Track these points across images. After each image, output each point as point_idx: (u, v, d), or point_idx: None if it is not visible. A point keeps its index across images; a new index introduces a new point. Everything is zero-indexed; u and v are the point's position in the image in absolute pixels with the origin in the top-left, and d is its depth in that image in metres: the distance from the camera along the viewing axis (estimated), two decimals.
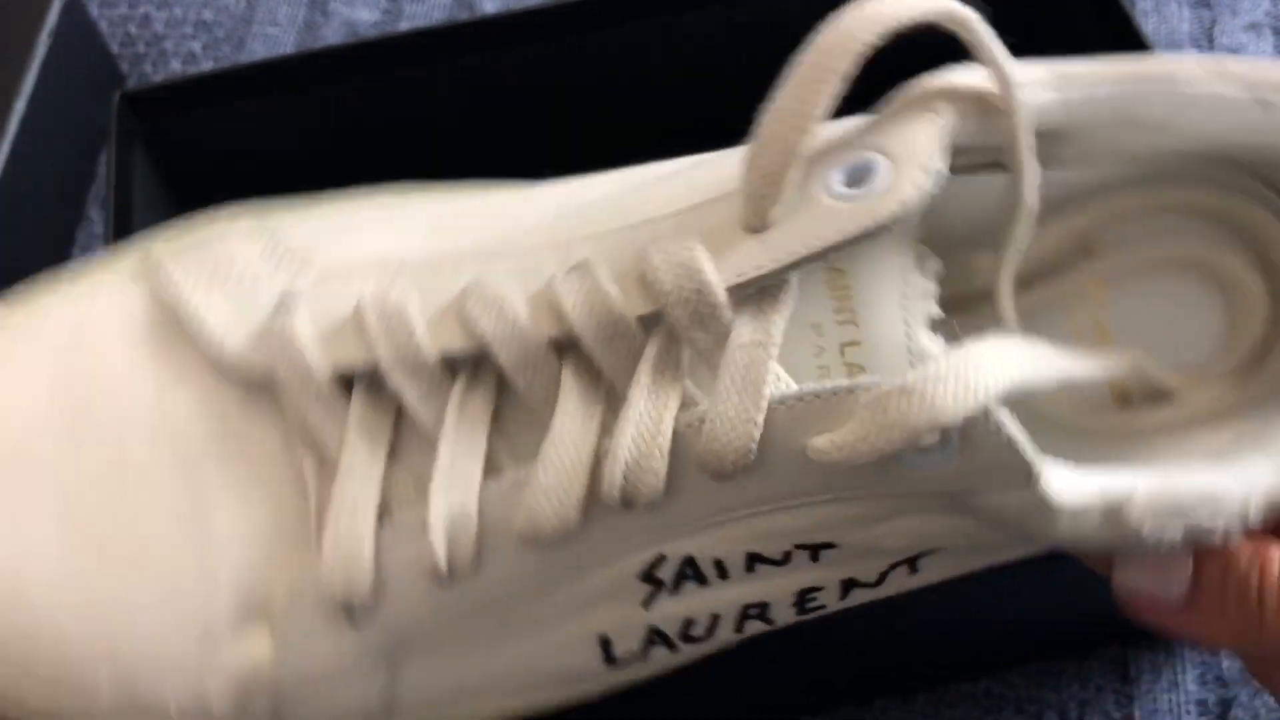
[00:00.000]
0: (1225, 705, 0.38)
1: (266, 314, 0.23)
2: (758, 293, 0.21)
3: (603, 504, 0.21)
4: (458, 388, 0.22)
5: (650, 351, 0.21)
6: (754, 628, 0.25)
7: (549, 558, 0.22)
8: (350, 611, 0.22)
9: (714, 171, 0.23)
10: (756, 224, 0.21)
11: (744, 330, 0.21)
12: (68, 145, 0.49)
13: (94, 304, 0.24)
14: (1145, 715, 0.39)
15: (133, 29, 0.56)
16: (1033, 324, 0.27)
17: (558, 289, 0.21)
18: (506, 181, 0.26)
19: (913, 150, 0.21)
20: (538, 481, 0.21)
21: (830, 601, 0.25)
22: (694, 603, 0.24)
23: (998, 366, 0.20)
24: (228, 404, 0.23)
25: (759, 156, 0.21)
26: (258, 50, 0.54)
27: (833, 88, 0.20)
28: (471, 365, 0.22)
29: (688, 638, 0.24)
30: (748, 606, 0.24)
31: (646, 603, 0.24)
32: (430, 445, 0.22)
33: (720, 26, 0.42)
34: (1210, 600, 0.24)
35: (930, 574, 0.25)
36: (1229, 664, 0.39)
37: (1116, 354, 0.26)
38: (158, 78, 0.54)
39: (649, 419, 0.21)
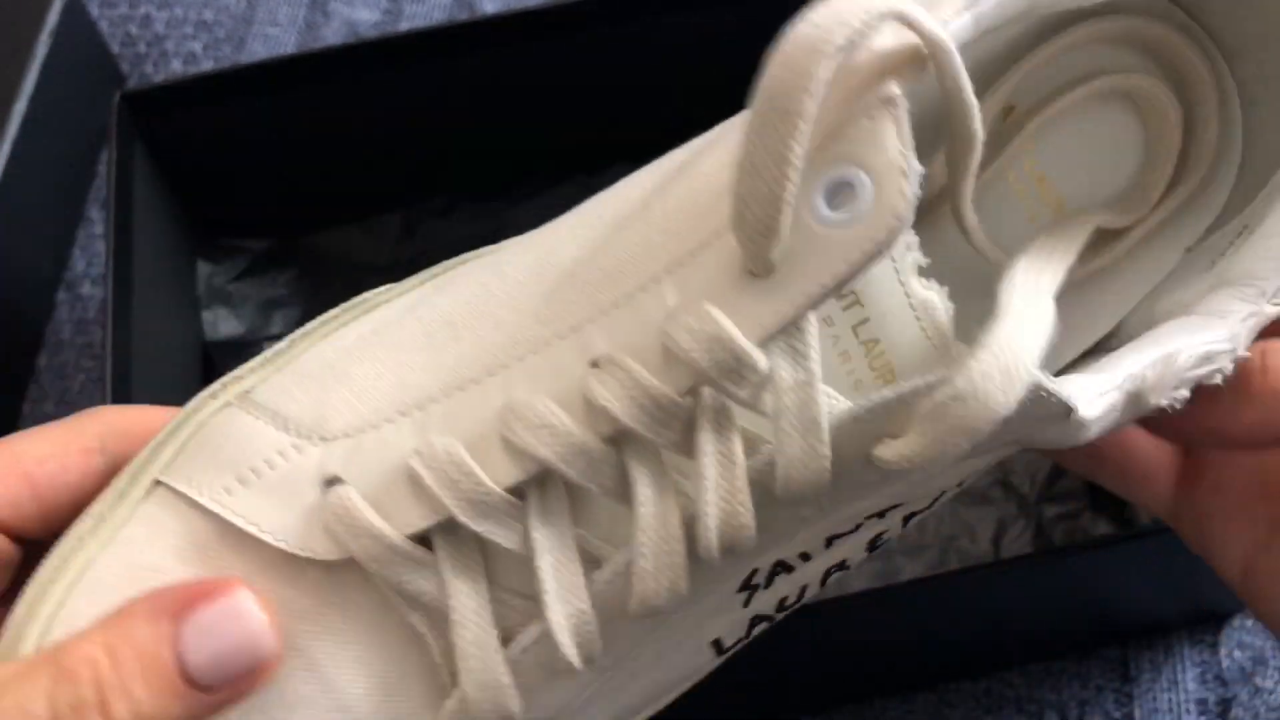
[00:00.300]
0: (1225, 705, 0.38)
1: (312, 499, 0.23)
2: (783, 333, 0.21)
3: (703, 562, 0.22)
4: (533, 506, 0.22)
5: (703, 419, 0.22)
6: (834, 578, 0.26)
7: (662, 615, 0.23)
8: None
9: (672, 206, 0.23)
10: (759, 269, 0.21)
11: (785, 374, 0.21)
12: (68, 145, 0.49)
13: (132, 544, 0.23)
14: (1145, 715, 0.39)
15: (133, 29, 0.56)
16: (979, 196, 0.28)
17: (596, 392, 0.22)
18: (456, 257, 0.26)
19: (888, 158, 0.21)
20: (640, 568, 0.22)
21: (895, 534, 0.26)
22: (786, 587, 0.25)
23: (1030, 341, 0.21)
24: (311, 587, 0.23)
25: (748, 209, 0.21)
26: (258, 50, 0.54)
27: (803, 130, 0.20)
28: (538, 482, 0.22)
29: (782, 608, 0.26)
30: (829, 569, 0.26)
31: (746, 603, 0.25)
32: (524, 561, 0.22)
33: (721, 26, 0.43)
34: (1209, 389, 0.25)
35: (970, 481, 0.27)
36: (1229, 663, 0.39)
37: (1076, 222, 0.27)
38: (158, 78, 0.54)
39: (724, 480, 0.22)
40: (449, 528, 0.22)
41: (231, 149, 0.45)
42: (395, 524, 0.22)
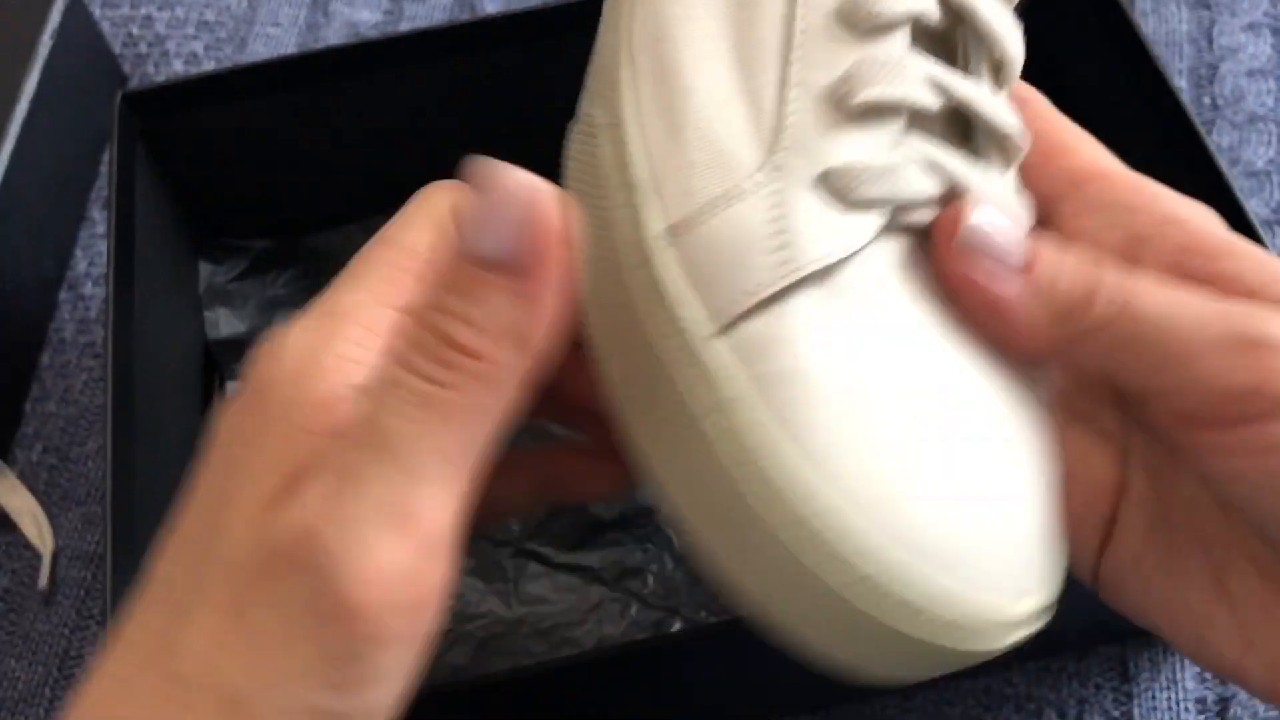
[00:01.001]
0: (1223, 703, 0.38)
1: (825, 204, 0.23)
2: None
3: None
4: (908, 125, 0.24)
5: None
6: None
7: None
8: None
9: None
10: None
11: None
12: (70, 145, 0.50)
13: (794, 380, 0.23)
14: (1143, 713, 0.39)
15: (135, 29, 0.56)
16: None
17: None
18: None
19: None
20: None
21: None
22: None
23: None
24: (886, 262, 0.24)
25: None
26: (259, 51, 0.55)
27: None
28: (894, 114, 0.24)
29: None
30: None
31: None
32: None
33: None
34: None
35: None
36: None
37: None
38: (160, 78, 0.54)
39: None
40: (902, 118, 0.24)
41: (232, 149, 0.45)
42: (877, 143, 0.23)
